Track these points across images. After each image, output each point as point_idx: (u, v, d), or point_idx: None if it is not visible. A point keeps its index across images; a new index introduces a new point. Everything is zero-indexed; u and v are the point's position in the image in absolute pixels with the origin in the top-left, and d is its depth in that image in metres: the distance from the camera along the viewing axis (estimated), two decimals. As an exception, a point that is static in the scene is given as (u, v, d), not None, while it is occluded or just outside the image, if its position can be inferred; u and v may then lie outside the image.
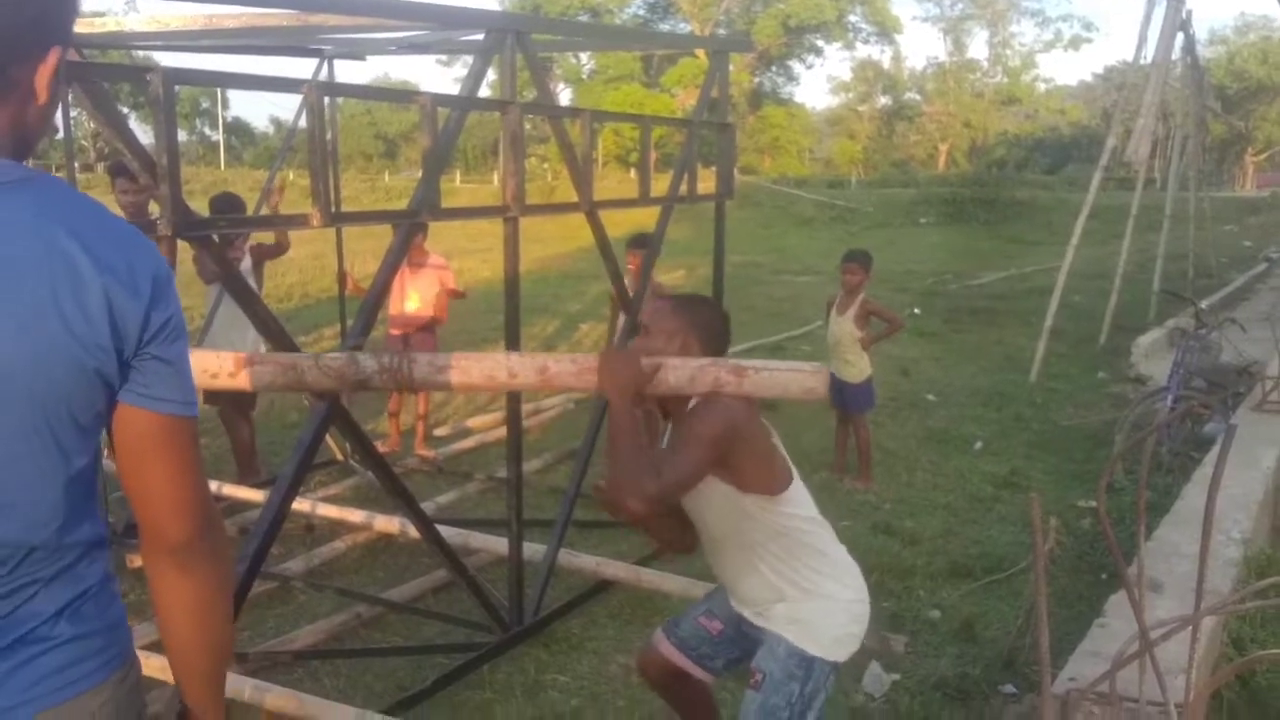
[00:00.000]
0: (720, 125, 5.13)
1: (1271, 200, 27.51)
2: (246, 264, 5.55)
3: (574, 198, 4.22)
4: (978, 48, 63.82)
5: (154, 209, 4.98)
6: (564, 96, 50.64)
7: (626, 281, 5.10)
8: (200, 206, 5.14)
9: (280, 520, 3.20)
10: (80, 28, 3.56)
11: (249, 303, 3.15)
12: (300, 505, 4.81)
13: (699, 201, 5.13)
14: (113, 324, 1.19)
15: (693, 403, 2.51)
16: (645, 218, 6.87)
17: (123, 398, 1.25)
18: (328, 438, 5.62)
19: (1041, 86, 64.04)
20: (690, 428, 2.42)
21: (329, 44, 5.57)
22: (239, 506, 5.13)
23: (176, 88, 2.60)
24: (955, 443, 6.99)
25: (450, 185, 38.58)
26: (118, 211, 4.77)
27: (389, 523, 4.75)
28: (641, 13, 58.02)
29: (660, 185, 4.97)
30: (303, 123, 4.27)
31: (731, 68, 5.28)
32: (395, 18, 3.98)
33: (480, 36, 3.89)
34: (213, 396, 5.49)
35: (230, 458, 5.81)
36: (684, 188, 4.83)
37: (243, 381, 2.54)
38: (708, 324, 2.62)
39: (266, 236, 5.80)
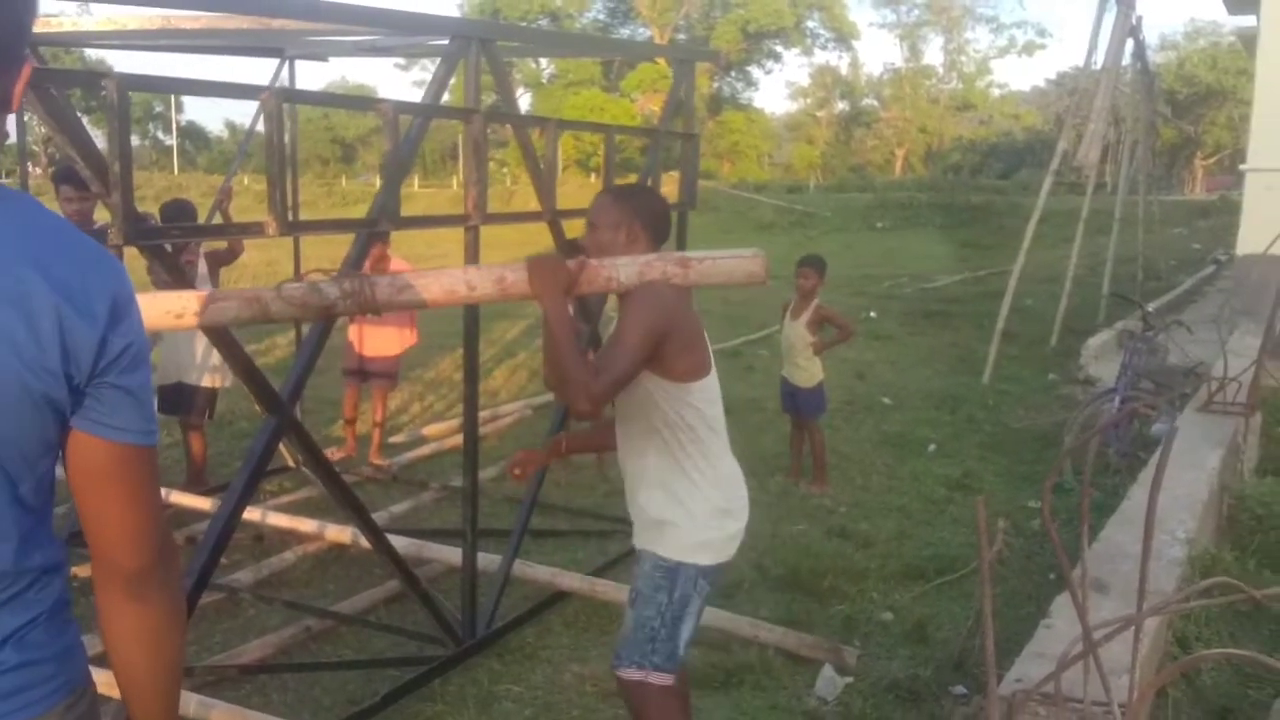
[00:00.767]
0: (685, 135, 5.10)
1: (1220, 204, 27.97)
2: (202, 270, 5.47)
3: (534, 203, 4.20)
4: (933, 54, 64.49)
5: (99, 217, 4.90)
6: (524, 101, 50.55)
7: None
8: (151, 212, 5.08)
9: (229, 532, 3.15)
10: (35, 27, 3.44)
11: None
12: (250, 514, 4.73)
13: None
14: (64, 348, 1.15)
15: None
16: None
17: (80, 425, 1.20)
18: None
19: (996, 92, 64.99)
20: (626, 318, 2.53)
21: (290, 44, 5.49)
22: (187, 517, 5.04)
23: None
24: (910, 446, 7.05)
25: (409, 190, 38.24)
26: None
27: (341, 532, 4.69)
28: (602, 17, 58.15)
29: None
30: (260, 127, 4.21)
31: (693, 74, 5.27)
32: (358, 24, 3.92)
33: (444, 41, 3.85)
34: (169, 405, 5.42)
35: (179, 466, 5.73)
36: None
37: (209, 318, 2.53)
38: (650, 208, 2.73)
39: (220, 242, 5.73)
